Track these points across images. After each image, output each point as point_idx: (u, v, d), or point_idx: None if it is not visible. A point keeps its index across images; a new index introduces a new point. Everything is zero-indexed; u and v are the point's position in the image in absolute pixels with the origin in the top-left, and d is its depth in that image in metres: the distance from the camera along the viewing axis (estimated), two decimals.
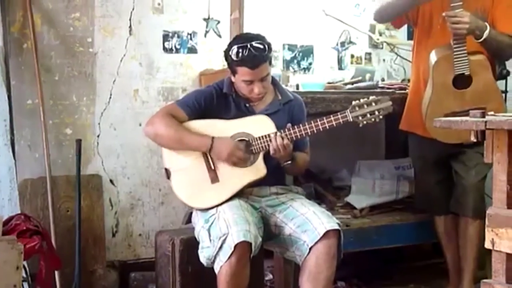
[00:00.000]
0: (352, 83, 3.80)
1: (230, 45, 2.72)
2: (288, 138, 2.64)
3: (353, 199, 3.70)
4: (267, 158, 2.74)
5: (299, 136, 2.70)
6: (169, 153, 2.79)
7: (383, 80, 4.26)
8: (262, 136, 2.72)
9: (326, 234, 2.55)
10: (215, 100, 2.78)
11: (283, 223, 2.70)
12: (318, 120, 2.68)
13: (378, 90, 3.65)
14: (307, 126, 2.68)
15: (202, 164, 2.77)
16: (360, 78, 3.85)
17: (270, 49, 2.70)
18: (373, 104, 2.69)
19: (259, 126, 2.75)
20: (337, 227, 2.60)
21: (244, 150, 2.70)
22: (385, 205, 3.70)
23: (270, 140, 2.66)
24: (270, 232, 2.73)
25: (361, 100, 2.67)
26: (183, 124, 2.78)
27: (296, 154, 2.78)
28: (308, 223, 2.61)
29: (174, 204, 3.84)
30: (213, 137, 2.69)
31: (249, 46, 2.63)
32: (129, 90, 3.80)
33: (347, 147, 4.19)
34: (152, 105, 3.81)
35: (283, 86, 3.03)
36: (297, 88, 3.65)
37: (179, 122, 2.78)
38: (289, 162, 2.73)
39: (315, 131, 2.69)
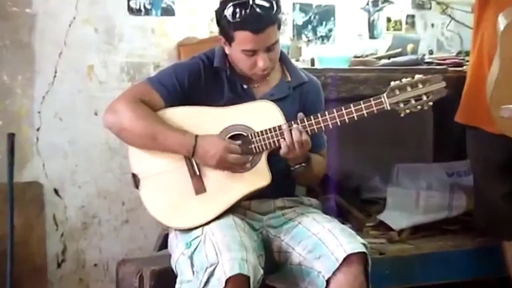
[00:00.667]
0: (389, 57, 3.81)
1: (225, 3, 2.72)
2: (308, 132, 2.67)
3: (389, 216, 3.72)
4: (272, 160, 2.74)
5: (316, 130, 2.71)
6: (138, 153, 2.78)
7: (431, 53, 4.26)
8: (266, 130, 2.72)
9: (347, 259, 2.55)
10: (203, 78, 2.80)
11: (289, 247, 2.71)
12: (342, 108, 2.67)
13: (425, 66, 3.65)
14: (327, 117, 2.68)
15: (183, 168, 2.76)
16: (399, 50, 3.88)
17: (278, 7, 2.71)
18: (420, 85, 2.68)
19: (262, 116, 2.75)
20: (361, 249, 2.60)
21: (241, 150, 2.71)
22: (433, 226, 3.72)
23: (282, 134, 2.67)
24: (273, 261, 2.74)
25: (403, 81, 2.66)
26: (158, 113, 2.78)
27: (310, 156, 2.79)
28: (322, 245, 2.62)
29: (143, 222, 3.88)
30: (196, 136, 2.69)
31: (251, 2, 2.65)
32: (81, 66, 3.82)
33: (381, 146, 4.21)
34: (112, 86, 3.83)
35: (294, 62, 3.00)
36: (312, 64, 3.65)
37: (153, 110, 2.76)
38: (303, 165, 2.75)
39: (339, 123, 2.68)
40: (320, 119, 2.70)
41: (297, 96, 2.90)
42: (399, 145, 4.28)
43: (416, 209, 3.74)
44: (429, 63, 3.77)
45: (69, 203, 3.86)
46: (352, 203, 3.81)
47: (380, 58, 3.85)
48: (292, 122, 2.68)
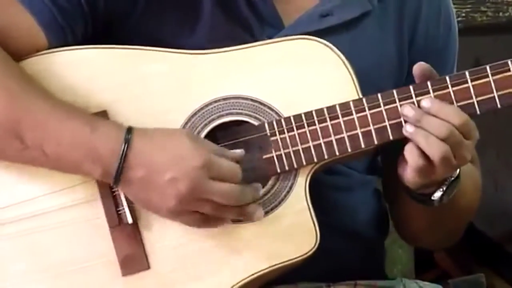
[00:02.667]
0: None
1: None
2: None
3: None
4: (323, 184, 1.72)
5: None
6: None
7: None
8: (311, 115, 1.63)
9: None
10: None
11: None
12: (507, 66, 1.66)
13: None
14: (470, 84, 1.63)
15: (91, 202, 1.65)
16: None
17: None
18: None
19: (300, 76, 1.67)
20: None
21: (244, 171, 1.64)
22: None
23: (350, 124, 1.65)
24: None
25: None
26: (31, 62, 1.69)
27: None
28: None
29: None
30: (130, 128, 1.58)
31: None
32: None
33: None
34: None
35: None
36: None
37: (17, 54, 1.68)
38: (447, 183, 1.73)
39: (476, 109, 1.64)
40: (460, 86, 1.63)
41: (393, 18, 1.85)
42: None
43: None
44: None
45: None
46: None
47: None
48: (411, 90, 1.63)
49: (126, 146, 1.53)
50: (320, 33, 1.68)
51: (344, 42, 1.72)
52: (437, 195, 1.72)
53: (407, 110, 1.61)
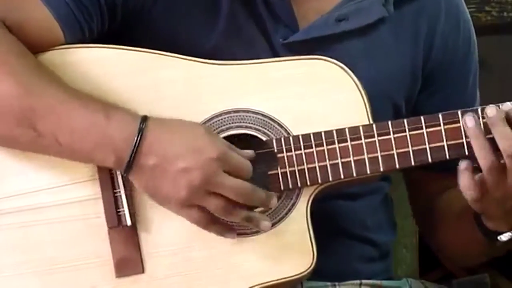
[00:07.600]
0: None
1: None
2: None
3: None
4: (334, 194, 1.71)
5: None
6: None
7: None
8: (320, 135, 1.60)
9: None
10: None
11: None
12: None
13: None
14: None
15: (90, 200, 1.61)
16: None
17: None
18: None
19: (313, 94, 1.64)
20: None
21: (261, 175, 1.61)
22: None
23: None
24: None
25: None
26: (46, 56, 1.65)
27: None
28: None
29: None
30: (145, 117, 1.54)
31: None
32: None
33: None
34: None
35: None
36: None
37: (35, 48, 1.63)
38: None
39: None
40: None
41: (409, 27, 1.82)
42: None
43: None
44: None
45: None
46: None
47: None
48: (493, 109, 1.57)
49: (140, 134, 1.51)
50: (334, 37, 1.67)
51: (358, 48, 1.70)
52: (504, 237, 1.68)
53: (490, 110, 1.54)
